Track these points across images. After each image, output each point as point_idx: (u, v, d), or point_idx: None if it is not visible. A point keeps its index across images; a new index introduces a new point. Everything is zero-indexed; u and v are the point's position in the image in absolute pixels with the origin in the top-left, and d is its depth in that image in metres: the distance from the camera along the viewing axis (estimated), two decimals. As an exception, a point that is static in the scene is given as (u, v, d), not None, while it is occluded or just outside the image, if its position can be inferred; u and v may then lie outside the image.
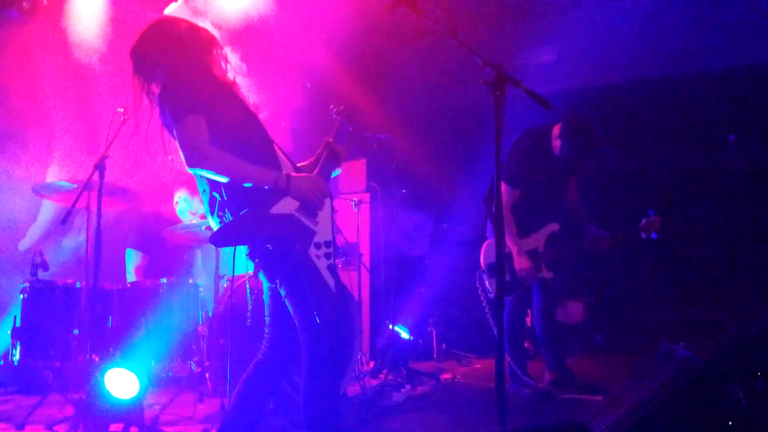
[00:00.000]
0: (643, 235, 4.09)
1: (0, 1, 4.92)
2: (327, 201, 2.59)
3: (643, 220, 4.10)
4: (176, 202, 4.89)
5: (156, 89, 2.57)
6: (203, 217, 4.72)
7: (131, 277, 4.74)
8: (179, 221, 4.82)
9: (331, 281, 2.48)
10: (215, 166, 2.40)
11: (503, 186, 4.20)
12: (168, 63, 2.54)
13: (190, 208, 4.81)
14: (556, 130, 4.19)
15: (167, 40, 2.57)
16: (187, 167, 2.42)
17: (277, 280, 2.55)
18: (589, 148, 4.16)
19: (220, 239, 2.45)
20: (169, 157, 2.62)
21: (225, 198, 2.50)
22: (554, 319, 4.43)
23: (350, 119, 2.78)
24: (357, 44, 6.44)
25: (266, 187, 2.45)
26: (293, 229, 2.47)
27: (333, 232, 2.57)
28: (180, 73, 2.50)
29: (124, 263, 4.86)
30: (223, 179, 2.45)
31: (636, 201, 6.18)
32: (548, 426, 2.61)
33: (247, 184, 2.45)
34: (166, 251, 4.80)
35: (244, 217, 2.47)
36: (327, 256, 2.51)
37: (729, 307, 5.77)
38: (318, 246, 2.50)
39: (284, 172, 2.49)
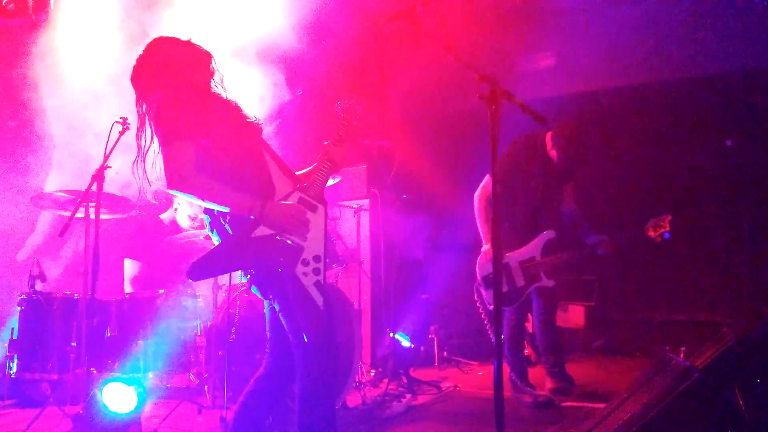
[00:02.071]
0: (652, 236, 3.96)
1: None
2: (320, 210, 2.57)
3: (651, 221, 3.99)
4: (175, 209, 4.88)
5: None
6: (203, 223, 4.75)
7: (128, 287, 4.72)
8: (179, 229, 4.80)
9: (319, 299, 2.47)
10: (193, 190, 2.44)
11: (486, 177, 4.19)
12: (163, 87, 2.57)
13: (189, 213, 4.80)
14: (549, 138, 4.19)
15: (162, 64, 2.61)
16: (167, 188, 2.47)
17: (270, 296, 2.56)
18: (584, 151, 4.14)
19: (197, 273, 2.44)
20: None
21: (217, 217, 2.55)
22: (555, 325, 4.42)
23: (356, 116, 2.76)
24: (356, 51, 6.43)
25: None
26: (276, 250, 2.46)
27: (325, 245, 2.54)
28: (172, 97, 2.54)
29: (123, 273, 4.84)
30: (203, 203, 2.50)
31: (635, 205, 6.16)
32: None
33: (224, 209, 2.48)
34: (165, 260, 4.78)
35: (221, 247, 2.50)
36: (315, 271, 2.49)
37: (729, 310, 5.75)
38: (306, 263, 2.49)
39: (260, 202, 2.44)
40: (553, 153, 4.17)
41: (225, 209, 2.48)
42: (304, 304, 2.47)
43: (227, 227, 2.51)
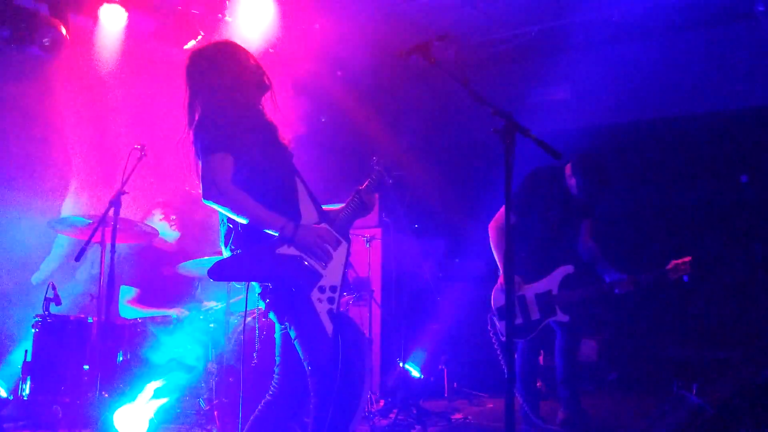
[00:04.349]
0: (672, 278, 3.95)
1: (20, 38, 4.96)
2: (343, 246, 2.61)
3: (671, 263, 3.97)
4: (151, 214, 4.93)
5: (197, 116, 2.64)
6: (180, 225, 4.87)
7: (124, 311, 4.69)
8: (171, 251, 4.84)
9: (329, 326, 2.49)
10: (229, 203, 2.48)
11: (502, 208, 4.20)
12: (213, 91, 2.61)
13: (160, 217, 4.86)
14: (568, 169, 4.19)
15: (224, 66, 2.64)
16: (203, 199, 2.51)
17: (287, 322, 2.57)
18: (605, 183, 4.14)
19: (217, 273, 2.48)
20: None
21: (240, 231, 2.57)
22: (576, 359, 4.33)
23: (391, 174, 2.82)
24: (371, 80, 6.53)
25: (274, 233, 2.50)
26: (295, 270, 2.50)
27: (343, 278, 2.58)
28: (221, 105, 2.57)
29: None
30: (235, 217, 2.52)
31: (649, 240, 6.15)
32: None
33: (257, 226, 2.50)
34: (161, 285, 4.76)
35: (245, 254, 2.53)
36: (330, 300, 2.52)
37: (743, 346, 5.68)
38: (322, 290, 2.52)
39: (293, 222, 2.50)
40: (571, 182, 4.17)
41: (257, 225, 2.51)
42: (312, 330, 2.49)
43: (253, 242, 2.54)
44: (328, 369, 2.49)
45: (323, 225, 2.60)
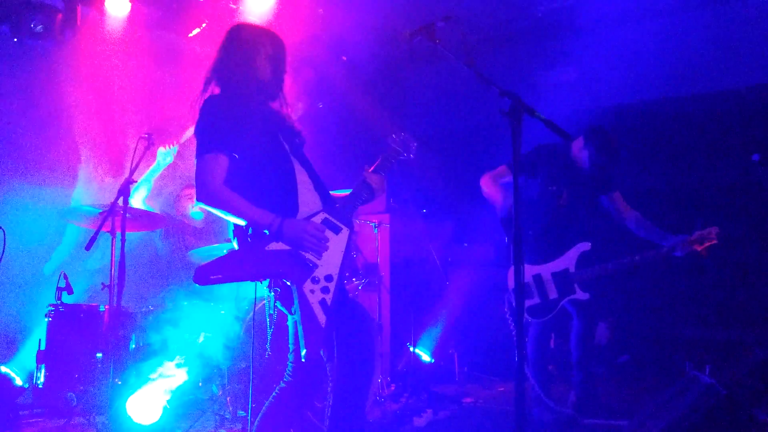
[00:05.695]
0: (699, 249, 3.84)
1: (10, 27, 4.91)
2: (344, 233, 2.59)
3: (695, 234, 3.86)
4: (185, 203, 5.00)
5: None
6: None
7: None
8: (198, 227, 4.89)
9: (321, 318, 2.47)
10: (219, 204, 2.51)
11: (501, 167, 4.17)
12: (226, 79, 2.64)
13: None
14: (579, 142, 4.14)
15: (241, 50, 2.66)
16: (196, 200, 2.56)
17: (292, 311, 2.58)
18: (616, 155, 4.09)
19: (202, 277, 2.45)
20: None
21: (242, 225, 2.58)
22: (592, 340, 4.28)
23: (412, 150, 2.80)
24: (377, 65, 6.49)
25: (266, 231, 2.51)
26: (285, 264, 2.49)
27: (342, 268, 2.55)
28: (223, 99, 2.60)
29: (147, 287, 4.88)
30: (227, 217, 2.55)
31: (659, 221, 6.10)
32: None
33: (250, 225, 2.52)
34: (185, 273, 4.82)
35: (231, 255, 2.53)
36: (324, 290, 2.49)
37: (756, 326, 5.65)
38: (315, 280, 2.50)
39: (278, 219, 2.48)
40: (583, 155, 4.11)
41: (247, 223, 2.53)
42: (304, 321, 2.48)
43: (247, 237, 2.55)
44: (320, 360, 2.51)
45: (318, 216, 2.58)
